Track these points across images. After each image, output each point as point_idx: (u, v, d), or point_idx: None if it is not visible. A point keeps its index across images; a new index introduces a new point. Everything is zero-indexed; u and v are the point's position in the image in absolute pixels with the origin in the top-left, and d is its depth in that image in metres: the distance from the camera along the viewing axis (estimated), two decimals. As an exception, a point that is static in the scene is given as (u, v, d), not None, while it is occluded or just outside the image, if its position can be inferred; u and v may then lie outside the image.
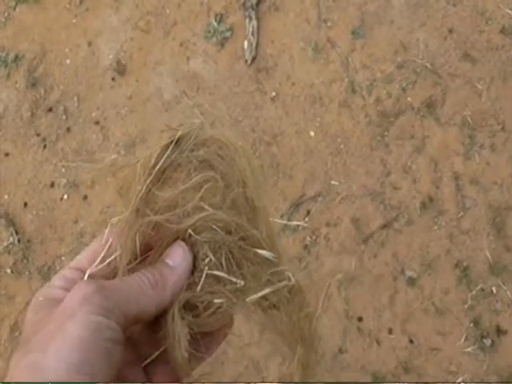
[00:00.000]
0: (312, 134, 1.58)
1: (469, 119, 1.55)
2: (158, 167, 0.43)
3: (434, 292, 1.45)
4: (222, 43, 1.67)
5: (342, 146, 1.57)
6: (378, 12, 1.65)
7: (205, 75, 1.65)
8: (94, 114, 1.66)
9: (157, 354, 0.43)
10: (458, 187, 1.51)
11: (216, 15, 1.70)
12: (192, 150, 0.45)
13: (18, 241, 1.58)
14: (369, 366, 1.41)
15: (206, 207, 0.42)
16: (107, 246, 0.43)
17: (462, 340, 1.42)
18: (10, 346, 1.51)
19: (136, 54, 1.69)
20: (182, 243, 0.43)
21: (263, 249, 0.44)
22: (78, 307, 0.37)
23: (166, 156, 0.44)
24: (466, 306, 1.44)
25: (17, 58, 1.72)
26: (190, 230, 0.43)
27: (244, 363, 1.42)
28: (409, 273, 1.47)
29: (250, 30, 1.66)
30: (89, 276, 0.42)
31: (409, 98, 1.58)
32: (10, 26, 1.75)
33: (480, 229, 1.48)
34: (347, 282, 1.47)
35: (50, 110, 1.67)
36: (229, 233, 0.43)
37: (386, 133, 1.56)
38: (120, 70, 1.68)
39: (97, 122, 1.65)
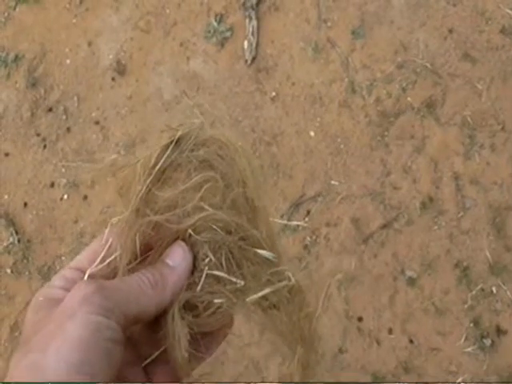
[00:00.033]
0: (312, 134, 1.58)
1: (469, 119, 1.55)
2: (158, 167, 0.43)
3: (434, 292, 1.45)
4: (222, 43, 1.67)
5: (341, 146, 1.57)
6: (378, 12, 1.65)
7: (205, 75, 1.65)
8: (94, 114, 1.66)
9: (157, 354, 0.43)
10: (458, 187, 1.51)
11: (216, 15, 1.70)
12: (192, 150, 0.45)
13: (18, 241, 1.58)
14: (369, 366, 1.41)
15: (206, 207, 0.42)
16: (107, 246, 0.43)
17: (462, 340, 1.42)
18: (10, 346, 1.51)
19: (136, 53, 1.69)
20: (182, 243, 0.43)
21: (263, 249, 0.44)
22: (78, 307, 0.37)
23: (165, 156, 0.44)
24: (466, 306, 1.44)
25: (17, 58, 1.72)
26: (190, 230, 0.43)
27: (244, 363, 1.42)
28: (409, 273, 1.47)
29: (250, 30, 1.66)
30: (89, 276, 0.42)
31: (409, 98, 1.58)
32: (10, 26, 1.75)
33: (480, 229, 1.48)
34: (347, 282, 1.47)
35: (50, 109, 1.67)
36: (229, 233, 0.43)
37: (386, 133, 1.56)
38: (120, 69, 1.68)
39: (97, 122, 1.65)
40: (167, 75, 1.67)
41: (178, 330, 0.41)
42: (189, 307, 0.43)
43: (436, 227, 1.49)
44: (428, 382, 1.39)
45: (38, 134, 1.66)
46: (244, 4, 1.69)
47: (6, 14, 1.76)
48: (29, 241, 1.59)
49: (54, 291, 0.41)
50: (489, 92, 1.57)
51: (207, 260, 0.43)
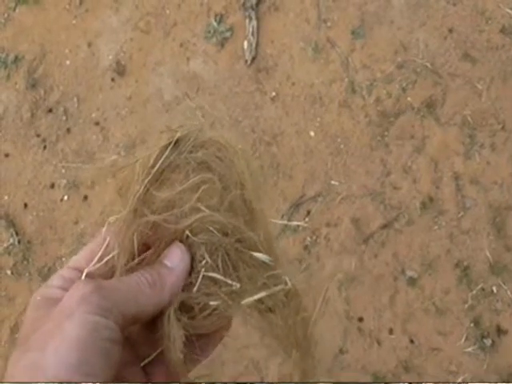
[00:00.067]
0: (312, 133, 1.58)
1: (469, 119, 1.55)
2: (156, 168, 0.43)
3: (435, 292, 1.45)
4: (222, 43, 1.67)
5: (342, 146, 1.56)
6: (378, 12, 1.65)
7: (205, 75, 1.65)
8: (93, 115, 1.66)
9: (155, 354, 0.43)
10: (458, 187, 1.51)
11: (216, 15, 1.70)
12: (190, 152, 0.45)
13: (19, 242, 1.58)
14: (369, 366, 1.41)
15: (203, 208, 0.42)
16: (105, 245, 0.43)
17: (463, 340, 1.41)
18: (10, 347, 1.51)
19: (136, 54, 1.69)
20: (181, 244, 0.43)
21: (260, 251, 0.44)
22: (76, 307, 0.37)
23: (164, 157, 0.44)
24: (466, 306, 1.43)
25: (17, 59, 1.72)
26: (187, 232, 0.43)
27: (244, 363, 1.42)
28: (409, 273, 1.47)
29: (250, 30, 1.66)
30: (87, 275, 0.42)
31: (409, 98, 1.58)
32: (9, 27, 1.75)
33: (480, 228, 1.48)
34: (348, 282, 1.47)
35: (50, 110, 1.67)
36: (226, 235, 0.43)
37: (386, 133, 1.56)
38: (120, 70, 1.68)
39: (97, 123, 1.65)
40: (167, 76, 1.67)
41: (174, 332, 0.41)
42: (185, 309, 0.43)
43: (436, 227, 1.49)
44: (428, 381, 1.39)
45: (38, 135, 1.66)
46: (244, 4, 1.69)
47: (5, 15, 1.76)
48: (29, 242, 1.59)
49: (52, 291, 0.41)
50: (489, 92, 1.57)
51: (204, 262, 0.43)
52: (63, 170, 1.62)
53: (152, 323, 0.43)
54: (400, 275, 1.47)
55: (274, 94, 1.62)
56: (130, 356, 0.43)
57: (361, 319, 1.45)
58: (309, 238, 1.50)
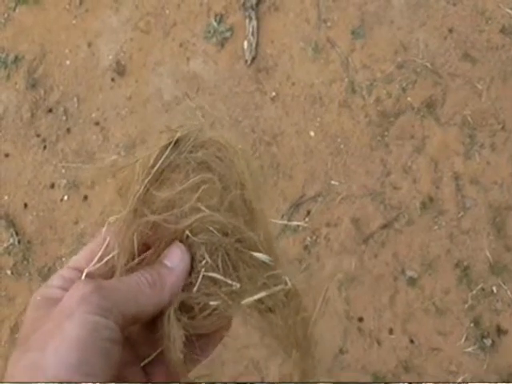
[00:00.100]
0: (312, 133, 1.58)
1: (469, 119, 1.55)
2: (156, 168, 0.43)
3: (435, 292, 1.45)
4: (221, 43, 1.67)
5: (342, 146, 1.56)
6: (378, 12, 1.65)
7: (205, 75, 1.65)
8: (93, 115, 1.66)
9: (155, 354, 0.43)
10: (458, 187, 1.51)
11: (216, 15, 1.70)
12: (190, 152, 0.45)
13: (19, 242, 1.58)
14: (369, 366, 1.41)
15: (203, 208, 0.42)
16: (105, 245, 0.43)
17: (463, 340, 1.41)
18: (10, 347, 1.51)
19: (136, 54, 1.69)
20: (181, 244, 0.43)
21: (260, 251, 0.44)
22: (76, 307, 0.37)
23: (164, 157, 0.44)
24: (466, 306, 1.43)
25: (17, 59, 1.72)
26: (187, 232, 0.43)
27: (244, 363, 1.42)
28: (409, 273, 1.47)
29: (250, 30, 1.66)
30: (87, 275, 0.42)
31: (409, 98, 1.58)
32: (9, 27, 1.75)
33: (480, 228, 1.48)
34: (348, 282, 1.47)
35: (50, 110, 1.67)
36: (225, 235, 0.43)
37: (386, 133, 1.56)
38: (120, 70, 1.68)
39: (97, 123, 1.65)
40: (167, 76, 1.67)
41: (174, 332, 0.41)
42: (185, 309, 0.43)
43: (436, 227, 1.49)
44: (428, 381, 1.39)
45: (38, 135, 1.66)
46: (244, 4, 1.69)
47: (5, 15, 1.76)
48: (29, 242, 1.59)
49: (52, 291, 0.41)
50: (489, 92, 1.57)
51: (204, 262, 0.43)
52: (63, 170, 1.62)
53: (152, 323, 0.43)
54: (400, 275, 1.47)
55: (273, 93, 1.62)
56: (130, 356, 0.43)
57: (361, 319, 1.45)
58: (309, 238, 1.50)
